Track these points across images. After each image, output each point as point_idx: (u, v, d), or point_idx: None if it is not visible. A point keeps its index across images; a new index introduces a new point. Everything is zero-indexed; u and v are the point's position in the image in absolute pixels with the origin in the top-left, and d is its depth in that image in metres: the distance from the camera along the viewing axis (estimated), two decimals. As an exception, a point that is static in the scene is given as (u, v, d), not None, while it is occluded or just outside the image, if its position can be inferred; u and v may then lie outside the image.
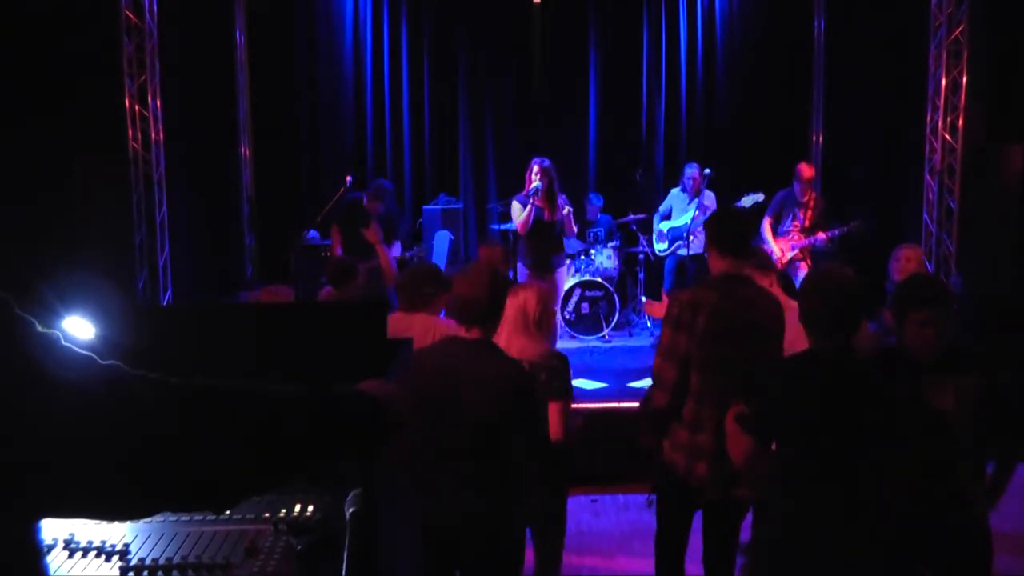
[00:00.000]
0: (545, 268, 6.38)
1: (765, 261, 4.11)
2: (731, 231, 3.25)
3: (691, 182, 7.50)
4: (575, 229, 6.65)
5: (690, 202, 7.51)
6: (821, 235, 6.88)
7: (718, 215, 3.52)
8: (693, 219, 7.37)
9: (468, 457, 2.78)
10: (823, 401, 2.54)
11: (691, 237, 7.35)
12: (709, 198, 7.46)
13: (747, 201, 7.20)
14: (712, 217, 3.52)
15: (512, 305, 3.23)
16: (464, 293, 2.82)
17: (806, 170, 6.97)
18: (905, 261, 5.05)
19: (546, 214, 6.36)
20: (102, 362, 0.99)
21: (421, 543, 3.06)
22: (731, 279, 3.21)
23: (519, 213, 6.34)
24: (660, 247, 7.82)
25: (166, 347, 1.52)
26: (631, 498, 5.42)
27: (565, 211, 6.35)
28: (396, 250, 6.85)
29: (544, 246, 6.37)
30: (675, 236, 7.63)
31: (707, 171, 7.40)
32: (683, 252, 7.48)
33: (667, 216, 7.80)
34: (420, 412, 2.32)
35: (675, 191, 7.74)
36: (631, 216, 8.04)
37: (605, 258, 7.75)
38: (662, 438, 3.30)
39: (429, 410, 2.66)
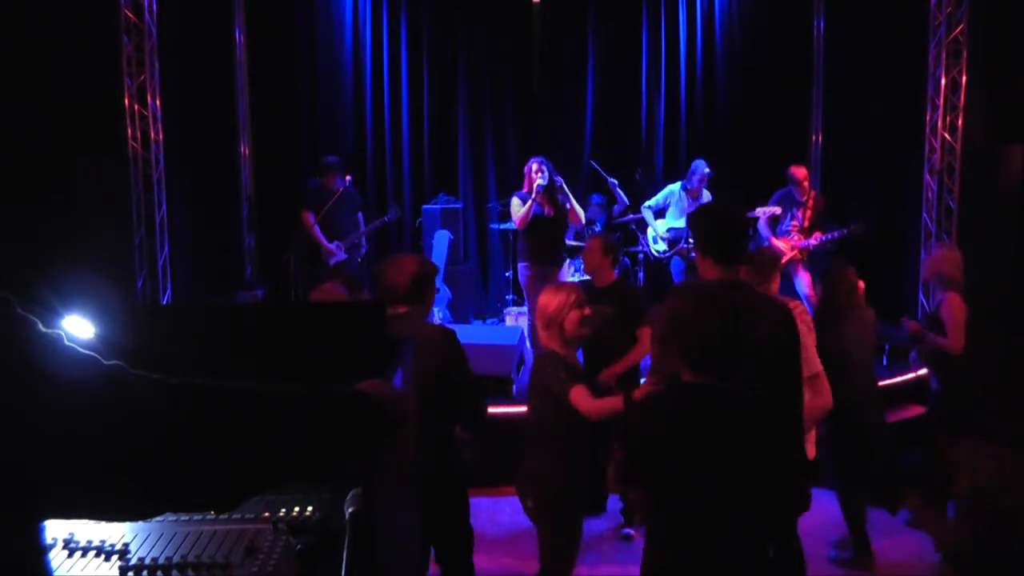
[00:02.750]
0: (548, 262, 6.40)
1: (762, 267, 3.88)
2: (724, 235, 2.87)
3: (701, 181, 7.23)
4: (582, 218, 6.63)
5: (691, 203, 7.32)
6: (820, 235, 6.89)
7: (707, 216, 3.04)
8: None
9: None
10: (696, 440, 2.32)
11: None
12: (708, 198, 7.34)
13: (761, 212, 7.09)
14: (700, 218, 3.07)
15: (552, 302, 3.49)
16: (388, 280, 3.28)
17: (798, 171, 6.97)
18: (936, 262, 4.83)
19: (547, 210, 6.41)
20: (105, 362, 0.99)
21: (420, 541, 3.07)
22: (722, 286, 2.84)
23: (518, 208, 6.40)
24: (659, 247, 7.66)
25: (166, 347, 1.52)
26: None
27: (569, 204, 6.41)
28: (361, 224, 7.35)
29: (545, 242, 6.40)
30: (676, 236, 7.54)
31: (707, 170, 7.36)
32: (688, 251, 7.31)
33: (660, 212, 7.58)
34: None
35: (674, 188, 7.45)
36: (630, 216, 8.01)
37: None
38: None
39: None
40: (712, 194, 7.40)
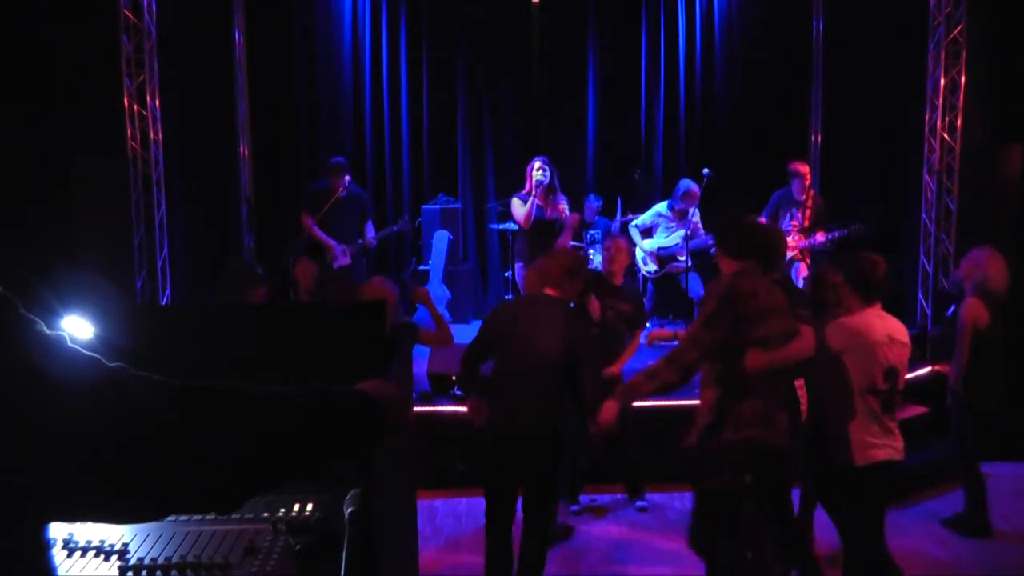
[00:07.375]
0: None
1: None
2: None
3: (685, 198, 7.17)
4: (566, 214, 6.67)
5: (678, 222, 7.24)
6: (824, 235, 6.88)
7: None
8: (683, 238, 7.16)
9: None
10: None
11: (684, 256, 7.15)
12: (696, 214, 7.28)
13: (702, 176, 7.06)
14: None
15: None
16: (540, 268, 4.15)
17: (800, 167, 6.95)
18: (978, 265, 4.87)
19: (547, 211, 6.45)
20: (108, 364, 0.99)
21: (418, 540, 3.09)
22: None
23: (520, 208, 6.45)
24: (649, 268, 7.51)
25: (167, 348, 1.52)
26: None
27: (562, 206, 6.48)
28: (371, 230, 7.11)
29: (543, 243, 6.42)
30: (668, 255, 7.39)
31: (705, 171, 7.30)
32: (682, 267, 7.24)
33: (647, 232, 7.51)
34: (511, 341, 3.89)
35: (660, 208, 7.37)
36: (630, 216, 7.97)
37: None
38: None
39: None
40: (702, 206, 7.29)
